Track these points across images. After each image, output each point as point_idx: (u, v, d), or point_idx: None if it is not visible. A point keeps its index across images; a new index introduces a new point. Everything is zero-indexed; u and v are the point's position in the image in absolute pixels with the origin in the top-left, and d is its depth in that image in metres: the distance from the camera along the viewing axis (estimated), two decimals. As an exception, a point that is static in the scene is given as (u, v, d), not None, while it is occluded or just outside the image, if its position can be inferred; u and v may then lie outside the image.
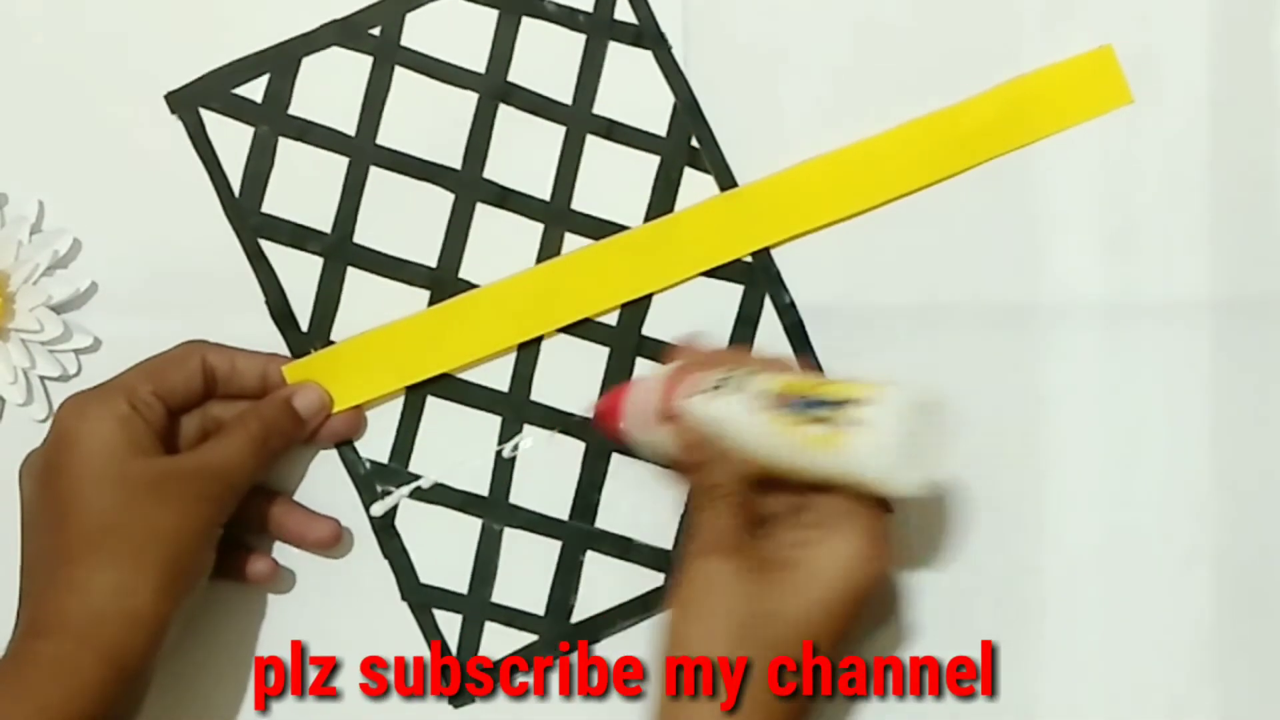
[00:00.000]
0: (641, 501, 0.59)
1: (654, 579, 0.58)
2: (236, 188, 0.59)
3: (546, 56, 0.59)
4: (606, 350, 0.59)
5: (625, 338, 0.59)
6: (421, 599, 0.58)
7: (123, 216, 0.59)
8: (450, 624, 0.58)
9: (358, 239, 0.59)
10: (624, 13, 0.60)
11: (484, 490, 0.59)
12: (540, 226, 0.59)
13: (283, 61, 0.59)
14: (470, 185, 0.59)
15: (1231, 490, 0.59)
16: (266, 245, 0.59)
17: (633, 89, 0.59)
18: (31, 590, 0.51)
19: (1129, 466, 0.59)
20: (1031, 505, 0.59)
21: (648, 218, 0.59)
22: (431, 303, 0.59)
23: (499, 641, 0.58)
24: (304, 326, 0.59)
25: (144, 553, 0.50)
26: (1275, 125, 0.60)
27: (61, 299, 0.57)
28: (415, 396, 0.59)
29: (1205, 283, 0.59)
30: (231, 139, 0.59)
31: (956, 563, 0.58)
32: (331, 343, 0.58)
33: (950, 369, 0.59)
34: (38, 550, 0.52)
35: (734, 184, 0.59)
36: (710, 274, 0.59)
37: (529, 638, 0.58)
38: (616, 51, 0.59)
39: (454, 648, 0.58)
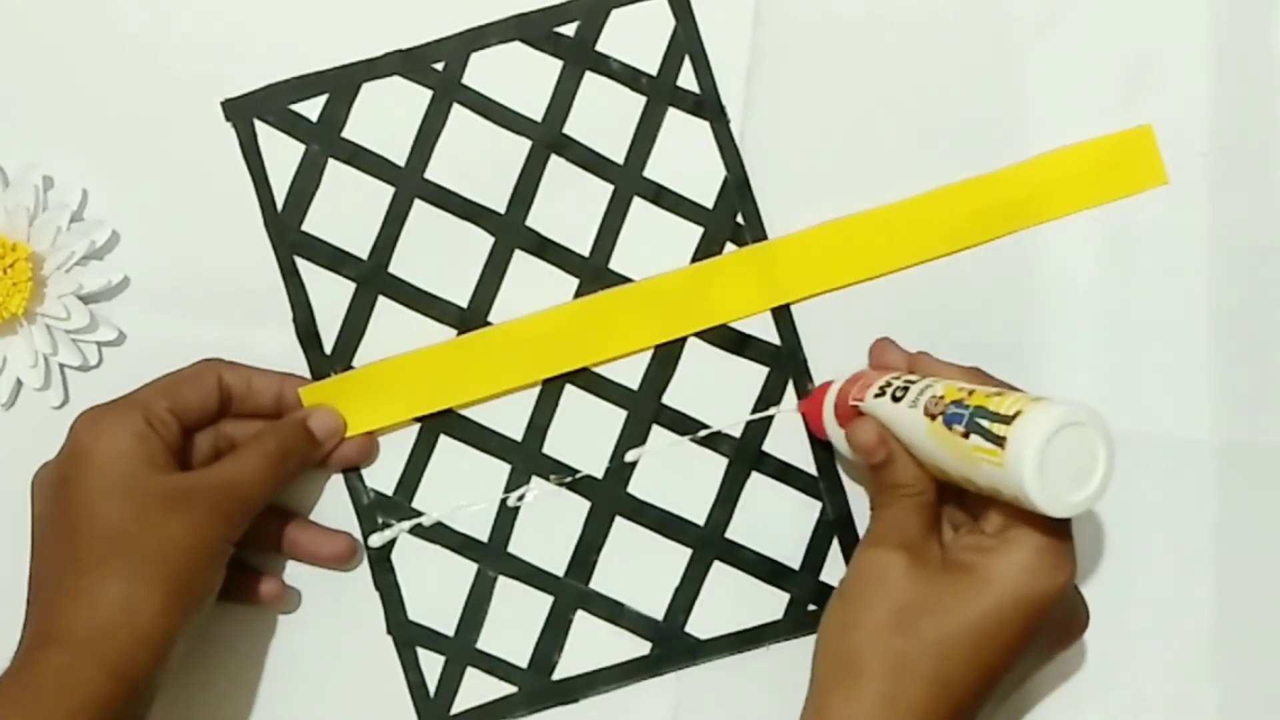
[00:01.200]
0: (639, 568, 0.58)
1: (641, 647, 0.58)
2: (280, 202, 0.59)
3: (605, 113, 0.59)
4: (624, 414, 0.59)
5: (644, 403, 0.59)
6: (407, 635, 0.58)
7: (163, 216, 0.59)
8: (432, 664, 0.58)
9: (393, 269, 0.59)
10: (687, 80, 0.60)
11: (484, 536, 0.58)
12: (575, 281, 0.59)
13: (343, 84, 0.59)
14: (511, 230, 0.59)
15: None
16: (302, 263, 0.59)
17: (686, 157, 0.59)
18: (39, 601, 0.51)
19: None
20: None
21: (683, 287, 0.59)
22: (457, 342, 0.59)
23: (478, 687, 0.58)
24: (328, 349, 0.58)
25: (153, 567, 0.50)
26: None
27: (92, 290, 0.57)
28: (428, 433, 0.58)
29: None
30: (282, 154, 0.59)
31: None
32: (352, 368, 0.58)
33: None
34: (47, 561, 0.52)
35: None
36: (739, 353, 0.59)
37: (508, 688, 0.58)
38: (675, 118, 0.59)
39: (432, 688, 0.58)
